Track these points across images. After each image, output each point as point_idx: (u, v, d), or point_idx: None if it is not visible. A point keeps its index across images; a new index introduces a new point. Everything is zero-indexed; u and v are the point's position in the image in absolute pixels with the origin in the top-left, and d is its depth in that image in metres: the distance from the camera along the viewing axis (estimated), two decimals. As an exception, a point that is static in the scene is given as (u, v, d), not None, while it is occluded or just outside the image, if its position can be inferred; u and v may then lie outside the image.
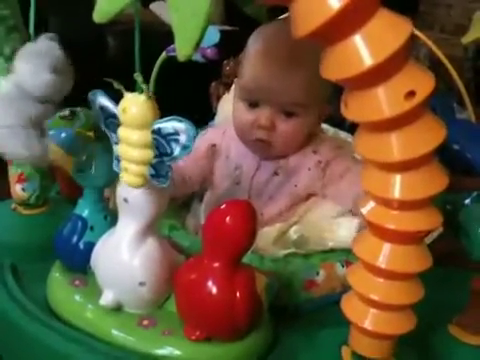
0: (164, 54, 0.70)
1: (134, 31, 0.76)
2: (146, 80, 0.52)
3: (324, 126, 0.90)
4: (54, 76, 0.58)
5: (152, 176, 0.53)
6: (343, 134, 0.94)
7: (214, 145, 0.82)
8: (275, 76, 0.71)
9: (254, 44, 0.76)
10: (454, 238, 0.66)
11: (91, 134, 0.64)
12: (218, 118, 0.98)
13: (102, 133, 0.65)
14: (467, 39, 1.39)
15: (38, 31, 0.67)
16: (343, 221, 0.74)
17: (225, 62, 0.98)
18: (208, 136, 0.84)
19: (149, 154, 0.52)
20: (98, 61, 0.65)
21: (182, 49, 0.38)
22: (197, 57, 0.80)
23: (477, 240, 0.62)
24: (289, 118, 0.73)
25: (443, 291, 0.64)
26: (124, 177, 0.54)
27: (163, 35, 0.74)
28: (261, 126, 0.73)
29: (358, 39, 0.37)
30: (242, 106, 0.76)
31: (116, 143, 0.55)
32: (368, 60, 0.37)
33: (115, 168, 0.56)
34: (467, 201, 0.67)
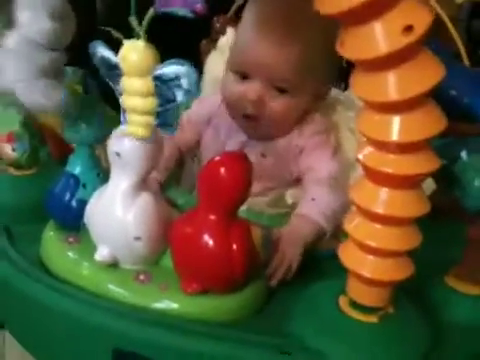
0: (152, 10, 0.68)
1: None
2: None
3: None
4: (55, 22, 0.57)
5: (159, 125, 0.52)
6: (335, 91, 0.92)
7: (210, 117, 0.80)
8: (267, 48, 0.69)
9: (249, 14, 0.74)
10: (448, 192, 0.66)
11: (79, 88, 0.63)
12: (206, 76, 0.96)
13: (91, 88, 0.64)
14: (461, -1, 1.36)
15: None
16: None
17: (215, 19, 0.96)
18: (207, 105, 0.81)
19: (153, 102, 0.51)
20: (87, 14, 0.63)
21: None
22: (186, 12, 0.78)
23: (472, 191, 0.62)
24: (280, 95, 0.71)
25: (439, 244, 0.64)
26: (130, 128, 0.53)
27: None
28: (249, 100, 0.71)
29: (354, -29, 0.36)
30: (232, 77, 0.73)
31: (121, 95, 0.53)
32: (364, -8, 0.36)
33: (122, 120, 0.55)
34: (462, 153, 0.66)
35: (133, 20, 0.49)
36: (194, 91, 0.50)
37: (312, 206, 0.67)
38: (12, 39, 0.59)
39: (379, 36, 0.38)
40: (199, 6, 0.51)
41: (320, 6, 0.39)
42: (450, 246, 0.63)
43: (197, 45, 0.99)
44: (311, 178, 0.72)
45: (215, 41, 0.95)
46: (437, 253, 0.63)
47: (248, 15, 0.74)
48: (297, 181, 0.77)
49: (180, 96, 0.50)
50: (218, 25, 0.95)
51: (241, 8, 0.81)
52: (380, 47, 0.38)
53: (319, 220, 0.65)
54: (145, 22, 0.50)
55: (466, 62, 0.77)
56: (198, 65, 0.99)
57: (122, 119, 0.55)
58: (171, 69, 0.49)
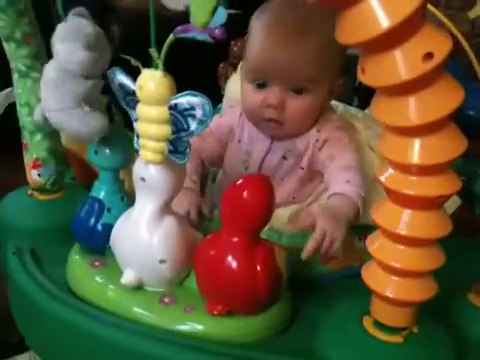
0: (171, 36, 0.70)
1: (135, 19, 0.77)
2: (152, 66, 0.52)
3: (333, 103, 0.90)
4: (90, 52, 0.59)
5: (170, 152, 0.53)
6: (353, 110, 0.94)
7: (232, 128, 0.82)
8: (282, 51, 0.70)
9: (258, 22, 0.75)
10: (470, 208, 0.66)
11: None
12: (226, 99, 0.98)
13: (115, 114, 0.65)
14: (474, 14, 1.37)
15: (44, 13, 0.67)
16: None
17: (233, 42, 0.98)
18: (228, 117, 0.83)
19: (167, 130, 0.52)
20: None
21: (198, 17, 0.38)
22: (205, 37, 0.79)
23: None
24: (299, 95, 0.72)
25: (461, 261, 0.64)
26: (143, 154, 0.55)
27: (166, 20, 0.74)
28: (271, 105, 0.72)
29: (374, 1, 0.37)
30: (250, 88, 0.75)
31: (136, 120, 0.55)
32: (385, 22, 0.37)
33: (135, 145, 0.56)
34: (482, 170, 0.67)
35: (153, 51, 0.51)
36: (207, 122, 0.51)
37: (348, 187, 0.66)
38: (51, 69, 0.61)
39: (400, 64, 0.39)
40: (217, 31, 0.53)
41: (341, 37, 0.40)
42: (475, 263, 0.63)
43: (215, 69, 1.01)
44: (338, 164, 0.72)
45: (232, 64, 0.97)
46: (461, 270, 0.63)
47: (257, 25, 0.75)
48: (316, 176, 0.78)
49: (193, 126, 0.51)
50: (235, 49, 0.97)
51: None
52: (401, 74, 0.39)
53: (357, 201, 0.65)
54: (164, 48, 0.51)
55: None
56: (216, 88, 1.01)
57: (135, 144, 0.56)
58: (186, 99, 0.51)
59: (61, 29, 0.60)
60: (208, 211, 0.71)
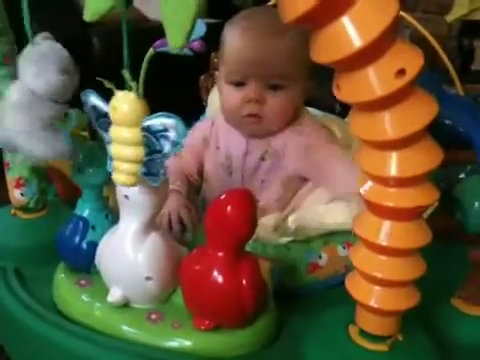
0: (151, 50, 0.71)
1: (118, 31, 0.77)
2: (134, 78, 0.52)
3: (314, 111, 0.91)
4: (60, 76, 0.59)
5: (144, 174, 0.54)
6: (332, 116, 0.95)
7: (205, 138, 0.84)
8: (256, 50, 0.73)
9: (232, 28, 0.77)
10: (449, 214, 0.67)
11: (85, 134, 0.65)
12: (209, 110, 0.99)
13: (97, 131, 0.65)
14: (451, 17, 1.39)
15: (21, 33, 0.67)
16: (340, 204, 0.75)
17: (213, 54, 0.98)
18: (199, 129, 0.86)
19: (140, 152, 0.52)
20: (84, 62, 0.65)
21: (174, 40, 0.38)
22: (184, 50, 0.80)
23: (472, 212, 0.64)
24: (276, 91, 0.75)
25: (442, 266, 0.65)
26: (116, 176, 0.55)
27: (146, 31, 0.74)
28: (251, 99, 0.75)
29: (346, 21, 0.38)
30: (229, 88, 0.77)
31: (109, 143, 0.55)
32: (357, 42, 0.38)
33: (108, 168, 0.56)
34: (461, 175, 0.68)
35: (126, 73, 0.51)
36: (181, 143, 0.51)
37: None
38: (17, 91, 0.61)
39: (373, 81, 0.39)
40: (196, 44, 0.53)
41: (315, 56, 0.41)
42: (456, 268, 0.64)
43: (196, 81, 1.01)
44: (335, 168, 0.75)
45: (213, 76, 0.97)
46: (443, 275, 0.64)
47: (231, 30, 0.77)
48: (301, 179, 0.79)
49: (167, 147, 0.52)
50: (216, 60, 0.98)
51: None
52: (375, 91, 0.40)
53: None
54: (144, 63, 0.51)
55: (456, 81, 0.79)
56: (198, 100, 1.02)
57: (108, 167, 0.56)
58: (159, 121, 0.51)
59: (31, 50, 0.60)
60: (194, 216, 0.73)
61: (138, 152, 0.53)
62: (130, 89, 0.52)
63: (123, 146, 0.53)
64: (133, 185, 0.55)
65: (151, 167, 0.53)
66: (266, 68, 0.73)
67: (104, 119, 0.54)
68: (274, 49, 0.73)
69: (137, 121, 0.52)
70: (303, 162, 0.78)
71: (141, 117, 0.52)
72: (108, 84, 0.52)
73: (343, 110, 0.87)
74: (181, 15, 0.38)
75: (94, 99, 0.55)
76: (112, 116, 0.53)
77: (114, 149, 0.54)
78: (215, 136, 0.83)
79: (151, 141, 0.52)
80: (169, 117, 0.50)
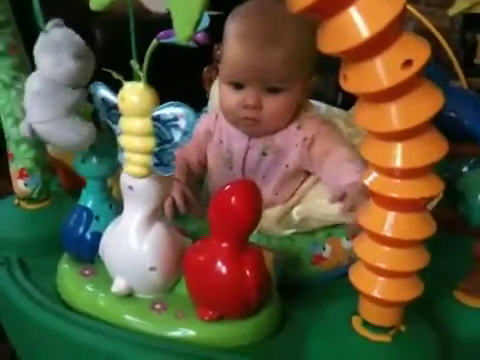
0: (155, 41, 0.71)
1: (118, 22, 0.77)
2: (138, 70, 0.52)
3: (316, 103, 0.91)
4: (77, 63, 0.59)
5: (155, 165, 0.54)
6: (336, 110, 0.95)
7: (209, 131, 0.84)
8: (255, 55, 0.72)
9: (232, 26, 0.76)
10: (453, 206, 0.67)
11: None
12: (211, 102, 0.99)
13: (101, 123, 0.66)
14: (454, 11, 1.38)
15: (26, 24, 0.67)
16: None
17: (216, 46, 0.98)
18: (203, 122, 0.85)
19: (151, 142, 0.52)
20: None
21: (181, 31, 0.38)
22: (188, 42, 0.80)
23: (476, 206, 0.64)
24: (274, 94, 0.74)
25: (446, 258, 0.65)
26: (128, 168, 0.55)
27: (148, 23, 0.74)
28: (248, 106, 0.74)
29: (354, 11, 0.38)
30: (227, 89, 0.77)
31: (119, 134, 0.55)
32: (365, 32, 0.38)
33: (120, 160, 0.56)
34: (465, 168, 0.68)
35: (134, 63, 0.51)
36: (191, 132, 0.51)
37: (358, 176, 0.65)
38: (36, 81, 0.61)
39: (380, 71, 0.39)
40: (200, 36, 0.53)
41: (323, 46, 0.41)
42: (459, 260, 0.64)
43: (199, 73, 1.01)
44: (337, 157, 0.74)
45: (217, 68, 0.97)
46: (446, 268, 0.64)
47: (231, 28, 0.76)
48: (302, 174, 0.79)
49: (177, 137, 0.52)
50: (219, 52, 0.97)
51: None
52: (381, 82, 0.40)
53: None
54: (148, 54, 0.51)
55: (460, 74, 0.79)
56: (201, 91, 1.02)
57: (120, 158, 0.56)
58: (169, 110, 0.51)
59: (45, 40, 0.60)
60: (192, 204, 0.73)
61: (149, 142, 0.53)
62: (139, 79, 0.51)
63: (134, 137, 0.53)
64: (145, 176, 0.55)
65: (162, 157, 0.53)
66: (264, 73, 0.73)
67: (114, 111, 0.54)
68: (270, 57, 0.72)
69: (146, 111, 0.52)
70: (304, 156, 0.78)
71: (151, 107, 0.52)
72: (116, 75, 0.52)
73: (345, 102, 0.87)
74: (189, 5, 0.38)
75: (103, 91, 0.55)
76: (121, 107, 0.53)
77: (125, 141, 0.54)
78: (219, 130, 0.83)
79: (161, 131, 0.52)
80: (179, 106, 0.50)
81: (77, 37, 0.61)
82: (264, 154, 0.79)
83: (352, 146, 0.77)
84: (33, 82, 0.62)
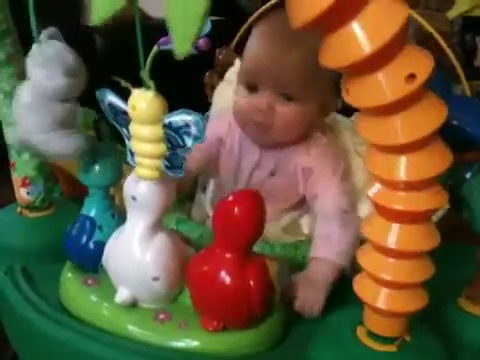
0: (156, 48, 0.71)
1: (119, 27, 0.76)
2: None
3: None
4: (67, 80, 0.59)
5: (167, 168, 0.54)
6: (339, 117, 0.94)
7: (221, 138, 0.82)
8: (272, 55, 0.72)
9: (256, 28, 0.77)
10: (456, 213, 0.67)
11: (92, 133, 0.65)
12: (214, 108, 0.98)
13: (104, 131, 0.65)
14: (453, 14, 1.37)
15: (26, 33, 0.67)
16: None
17: (218, 51, 0.98)
18: (214, 127, 0.82)
19: (162, 148, 0.53)
20: (86, 59, 0.65)
21: (180, 47, 0.38)
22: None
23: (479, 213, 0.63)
24: (289, 102, 0.73)
25: (450, 266, 0.65)
26: (140, 171, 0.55)
27: (148, 29, 0.74)
28: (260, 110, 0.73)
29: (356, 26, 0.38)
30: (242, 90, 0.76)
31: (128, 138, 0.55)
32: (367, 47, 0.38)
33: (129, 161, 0.56)
34: (468, 175, 0.68)
35: (144, 74, 0.51)
36: (203, 137, 0.51)
37: (329, 247, 0.68)
38: (26, 92, 0.60)
39: (383, 85, 0.39)
40: (202, 42, 0.53)
41: (325, 61, 0.40)
42: (463, 268, 0.64)
43: (201, 78, 1.00)
44: (320, 211, 0.73)
45: (218, 73, 0.97)
46: (450, 275, 0.63)
47: (255, 31, 0.77)
48: (302, 202, 0.79)
49: (189, 142, 0.52)
50: (220, 57, 0.97)
51: (243, 40, 0.83)
52: (385, 96, 0.39)
53: (338, 261, 0.67)
54: (149, 60, 0.51)
55: (462, 78, 0.78)
56: (202, 96, 1.01)
57: (130, 161, 0.56)
58: (180, 118, 0.51)
59: (39, 52, 0.59)
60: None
61: (159, 148, 0.53)
62: (148, 88, 0.51)
63: (145, 143, 0.53)
64: (156, 179, 0.55)
65: (174, 160, 0.53)
66: (279, 76, 0.71)
67: (122, 116, 0.54)
68: (289, 57, 0.71)
69: (157, 119, 0.51)
70: (304, 184, 0.77)
71: (161, 115, 0.52)
72: (125, 83, 0.52)
73: (345, 106, 0.87)
74: (188, 20, 0.38)
75: (110, 97, 0.55)
76: (132, 114, 0.53)
77: (136, 146, 0.54)
78: (231, 136, 0.81)
79: (173, 137, 0.52)
80: (190, 114, 0.50)
81: (69, 54, 0.60)
82: (272, 174, 0.78)
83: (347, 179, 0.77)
84: (23, 94, 0.61)
